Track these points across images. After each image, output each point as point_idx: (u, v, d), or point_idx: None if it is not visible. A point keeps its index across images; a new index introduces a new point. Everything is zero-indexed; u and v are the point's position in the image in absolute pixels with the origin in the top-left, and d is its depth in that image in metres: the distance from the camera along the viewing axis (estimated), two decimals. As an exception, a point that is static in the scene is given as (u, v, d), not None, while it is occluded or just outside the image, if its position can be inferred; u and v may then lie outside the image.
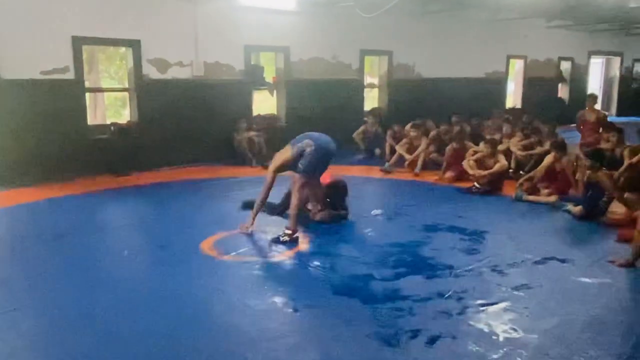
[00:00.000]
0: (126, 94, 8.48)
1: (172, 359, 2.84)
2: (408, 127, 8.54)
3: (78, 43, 7.28)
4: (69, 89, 7.28)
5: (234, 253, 4.43)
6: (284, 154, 4.82)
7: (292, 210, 4.72)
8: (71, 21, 7.18)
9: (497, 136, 8.32)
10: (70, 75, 7.25)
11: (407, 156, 8.16)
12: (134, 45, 7.78)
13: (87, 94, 8.02)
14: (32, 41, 6.89)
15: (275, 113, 9.95)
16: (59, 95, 7.17)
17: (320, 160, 4.72)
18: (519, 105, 13.67)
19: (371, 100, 12.18)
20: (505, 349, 2.92)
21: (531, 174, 6.52)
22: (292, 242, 4.61)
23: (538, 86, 13.91)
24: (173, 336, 3.06)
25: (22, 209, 5.88)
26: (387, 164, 8.17)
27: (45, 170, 7.03)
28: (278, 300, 3.56)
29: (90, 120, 8.57)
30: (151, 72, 7.99)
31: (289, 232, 4.64)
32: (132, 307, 3.45)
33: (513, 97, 14.35)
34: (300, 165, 4.68)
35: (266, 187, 4.82)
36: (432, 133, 8.82)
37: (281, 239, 4.63)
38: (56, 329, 3.17)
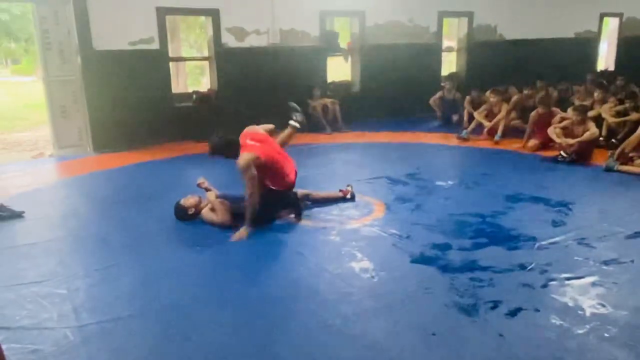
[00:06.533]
0: (203, 62, 8.73)
1: (253, 315, 2.99)
2: (488, 92, 8.20)
3: (162, 13, 7.56)
4: (155, 58, 7.62)
5: (313, 218, 4.53)
6: None
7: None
8: (155, -8, 7.46)
9: (587, 102, 7.78)
10: (155, 45, 7.57)
11: (486, 123, 7.87)
12: (214, 14, 7.96)
13: (170, 63, 8.34)
14: (120, 13, 7.24)
15: (350, 79, 9.88)
16: (145, 65, 7.53)
17: None
18: (611, 68, 12.64)
19: (449, 64, 11.74)
20: (592, 324, 2.81)
21: (625, 143, 6.08)
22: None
23: (635, 46, 12.75)
24: (255, 292, 3.22)
25: (115, 173, 6.32)
26: (464, 132, 7.92)
27: (135, 136, 7.50)
28: (355, 265, 3.62)
29: (174, 89, 8.94)
30: (229, 40, 8.16)
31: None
32: (214, 265, 3.68)
33: (605, 59, 13.27)
34: None
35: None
36: (514, 98, 8.41)
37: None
38: (149, 283, 3.42)
